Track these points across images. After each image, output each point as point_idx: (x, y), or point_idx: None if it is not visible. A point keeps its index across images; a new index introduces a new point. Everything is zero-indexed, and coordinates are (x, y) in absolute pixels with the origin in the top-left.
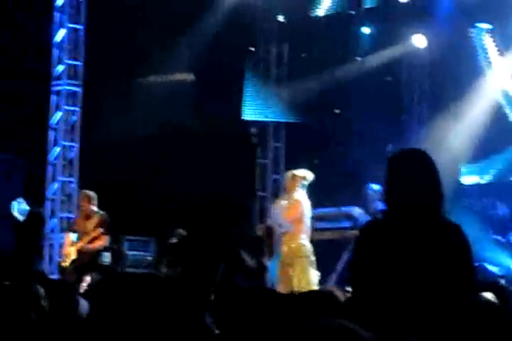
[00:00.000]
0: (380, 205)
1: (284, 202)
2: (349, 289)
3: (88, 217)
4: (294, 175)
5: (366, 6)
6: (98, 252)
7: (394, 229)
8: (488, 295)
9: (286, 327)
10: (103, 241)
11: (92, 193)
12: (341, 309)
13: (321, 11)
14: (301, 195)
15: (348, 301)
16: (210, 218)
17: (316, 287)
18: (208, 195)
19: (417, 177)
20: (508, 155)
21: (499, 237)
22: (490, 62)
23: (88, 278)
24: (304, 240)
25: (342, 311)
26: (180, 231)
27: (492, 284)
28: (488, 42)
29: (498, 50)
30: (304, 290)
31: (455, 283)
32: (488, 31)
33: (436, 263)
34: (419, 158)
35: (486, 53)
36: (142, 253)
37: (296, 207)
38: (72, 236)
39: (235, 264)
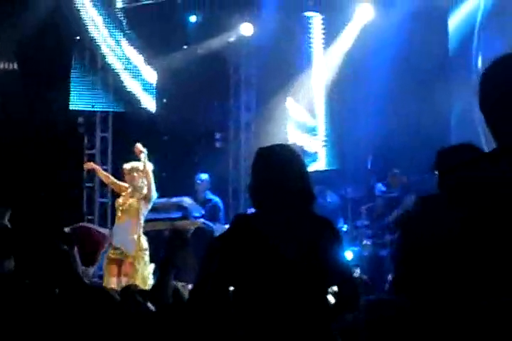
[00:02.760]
0: (209, 194)
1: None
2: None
3: None
4: (134, 169)
5: None
6: None
7: (265, 224)
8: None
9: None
10: None
11: None
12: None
13: None
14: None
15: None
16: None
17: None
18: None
19: (286, 173)
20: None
21: None
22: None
23: None
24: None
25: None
26: None
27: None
28: (316, 32)
29: (325, 40)
30: (146, 282)
31: (331, 276)
32: (316, 20)
33: (311, 257)
34: (289, 154)
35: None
36: None
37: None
38: None
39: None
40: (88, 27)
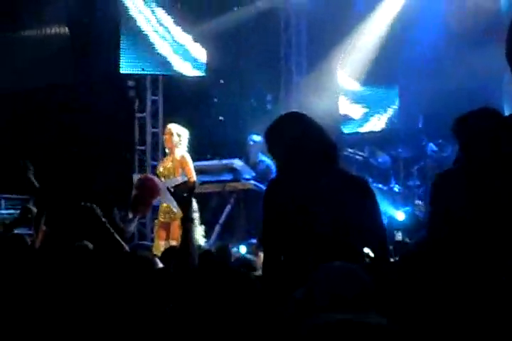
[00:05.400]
0: (262, 156)
1: (169, 164)
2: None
3: None
4: (174, 133)
5: None
6: None
7: (297, 186)
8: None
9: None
10: None
11: None
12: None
13: None
14: (183, 151)
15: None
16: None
17: (203, 241)
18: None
19: (300, 139)
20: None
21: (380, 185)
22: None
23: None
24: None
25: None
26: None
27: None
28: None
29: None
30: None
31: (368, 236)
32: None
33: (347, 217)
34: (297, 122)
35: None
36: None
37: (183, 164)
38: None
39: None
40: None
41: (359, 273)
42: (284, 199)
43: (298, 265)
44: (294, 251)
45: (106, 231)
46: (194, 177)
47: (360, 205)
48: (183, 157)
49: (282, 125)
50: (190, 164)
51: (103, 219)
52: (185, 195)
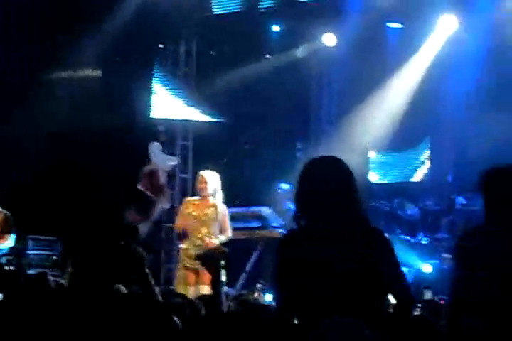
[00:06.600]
0: (290, 205)
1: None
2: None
3: None
4: (209, 181)
5: (264, 6)
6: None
7: (314, 237)
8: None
9: None
10: (5, 241)
11: None
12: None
13: (227, 8)
14: (221, 202)
15: (277, 315)
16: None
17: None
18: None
19: (331, 185)
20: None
21: (407, 237)
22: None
23: None
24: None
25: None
26: None
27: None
28: (398, 42)
29: (407, 51)
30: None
31: (385, 289)
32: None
33: (363, 270)
34: (333, 166)
35: (397, 52)
36: (47, 252)
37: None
38: None
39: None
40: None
41: (359, 328)
42: (301, 250)
43: (313, 316)
44: (309, 303)
45: (143, 274)
46: (230, 233)
47: (382, 256)
48: (224, 211)
49: (321, 165)
50: (229, 219)
51: (145, 261)
52: (220, 260)
